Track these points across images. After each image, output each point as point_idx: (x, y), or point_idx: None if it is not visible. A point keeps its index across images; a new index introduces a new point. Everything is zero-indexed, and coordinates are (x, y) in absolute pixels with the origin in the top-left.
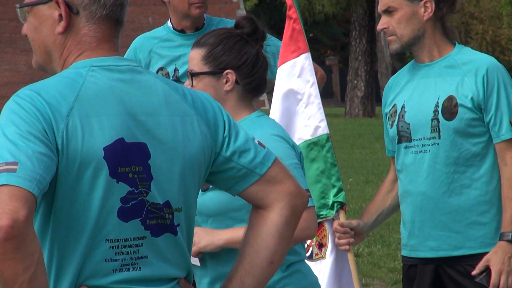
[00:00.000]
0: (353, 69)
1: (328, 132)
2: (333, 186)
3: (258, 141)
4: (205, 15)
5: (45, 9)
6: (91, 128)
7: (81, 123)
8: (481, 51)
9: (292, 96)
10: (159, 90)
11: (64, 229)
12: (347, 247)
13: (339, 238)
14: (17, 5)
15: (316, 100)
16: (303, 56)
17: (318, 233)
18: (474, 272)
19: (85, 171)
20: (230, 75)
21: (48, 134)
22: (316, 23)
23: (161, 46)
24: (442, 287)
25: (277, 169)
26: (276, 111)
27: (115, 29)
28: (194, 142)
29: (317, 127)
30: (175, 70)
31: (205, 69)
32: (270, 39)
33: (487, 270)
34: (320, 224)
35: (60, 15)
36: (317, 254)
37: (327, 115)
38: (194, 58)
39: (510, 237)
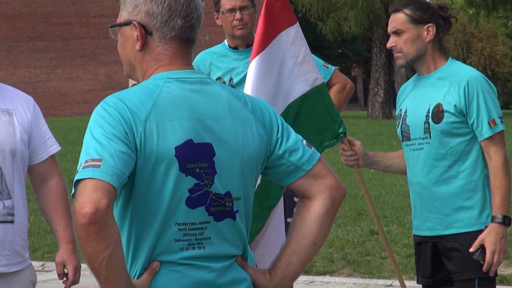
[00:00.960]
0: (374, 79)
1: (324, 82)
2: (334, 121)
3: (306, 143)
4: (254, 33)
5: (128, 30)
6: (165, 130)
7: (157, 127)
8: (479, 64)
9: (289, 59)
10: (223, 98)
11: (141, 214)
12: (352, 163)
13: (346, 160)
14: (109, 25)
15: (310, 58)
16: (294, 26)
17: None
18: (471, 250)
19: (159, 167)
20: None
21: (129, 136)
22: (344, 41)
23: (219, 60)
24: (440, 259)
25: (321, 166)
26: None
27: (186, 47)
28: (253, 143)
29: (315, 79)
30: (230, 79)
31: None
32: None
33: (481, 248)
34: None
35: (138, 36)
36: None
37: (352, 117)
38: None
39: (500, 220)
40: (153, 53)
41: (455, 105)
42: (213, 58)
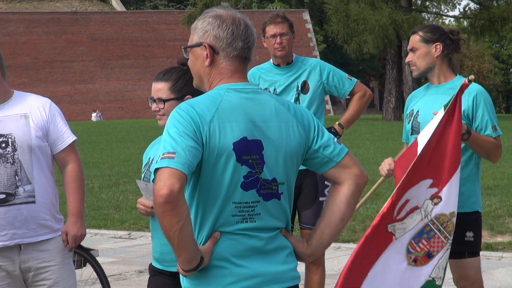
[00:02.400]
0: (388, 89)
1: None
2: None
3: (337, 140)
4: (294, 54)
5: (199, 50)
6: (225, 130)
7: (219, 127)
8: None
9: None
10: (271, 105)
11: (205, 195)
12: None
13: (386, 173)
14: (183, 46)
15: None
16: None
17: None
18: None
19: (220, 158)
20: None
21: (197, 134)
22: (364, 60)
23: (265, 74)
24: None
25: (348, 158)
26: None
27: (243, 64)
28: (294, 140)
29: None
30: (274, 89)
31: (172, 96)
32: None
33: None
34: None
35: (207, 54)
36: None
37: (370, 119)
38: (161, 89)
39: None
40: (218, 68)
41: (464, 110)
42: (261, 72)
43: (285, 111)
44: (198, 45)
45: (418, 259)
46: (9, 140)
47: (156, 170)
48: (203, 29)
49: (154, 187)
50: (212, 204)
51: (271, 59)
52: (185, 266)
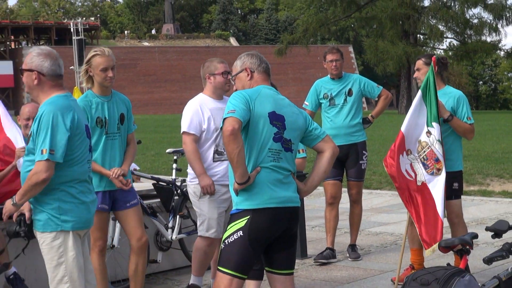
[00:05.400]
0: (402, 94)
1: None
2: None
3: (318, 126)
4: (343, 72)
5: (243, 73)
6: (263, 105)
7: (260, 103)
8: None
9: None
10: (286, 100)
11: (250, 142)
12: None
13: None
14: (231, 76)
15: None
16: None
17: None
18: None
19: (260, 121)
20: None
21: (247, 104)
22: (386, 76)
23: (325, 84)
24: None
25: (328, 137)
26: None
27: (267, 76)
28: (300, 121)
29: None
30: (331, 94)
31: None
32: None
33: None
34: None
35: (248, 74)
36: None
37: (391, 113)
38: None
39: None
40: (254, 78)
41: (451, 107)
42: (323, 83)
43: (293, 106)
44: (241, 71)
45: (433, 168)
46: None
47: (224, 119)
48: (242, 61)
49: (223, 127)
50: (254, 148)
51: (328, 75)
52: (240, 180)
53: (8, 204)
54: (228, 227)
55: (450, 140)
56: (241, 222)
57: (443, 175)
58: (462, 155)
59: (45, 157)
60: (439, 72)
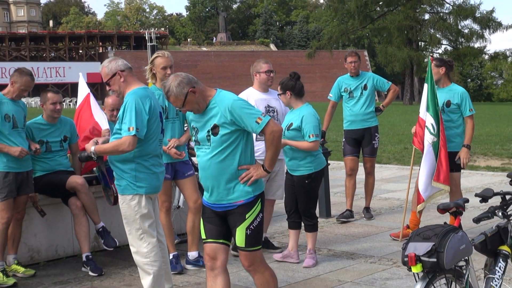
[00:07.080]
0: (406, 89)
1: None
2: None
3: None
4: (360, 70)
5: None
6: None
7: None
8: None
9: None
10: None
11: (251, 142)
12: None
13: None
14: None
15: None
16: None
17: None
18: (456, 159)
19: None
20: None
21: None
22: (394, 74)
23: (346, 80)
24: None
25: (272, 122)
26: None
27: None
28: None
29: None
30: (350, 89)
31: None
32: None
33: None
34: None
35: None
36: None
37: (398, 104)
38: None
39: (466, 146)
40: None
41: (456, 102)
42: (344, 79)
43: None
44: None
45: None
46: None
47: (267, 121)
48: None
49: (277, 127)
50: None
51: (348, 73)
52: (270, 168)
53: (88, 146)
54: (248, 215)
55: (455, 127)
56: (258, 206)
57: (425, 156)
58: (463, 139)
59: (132, 133)
60: (447, 72)
